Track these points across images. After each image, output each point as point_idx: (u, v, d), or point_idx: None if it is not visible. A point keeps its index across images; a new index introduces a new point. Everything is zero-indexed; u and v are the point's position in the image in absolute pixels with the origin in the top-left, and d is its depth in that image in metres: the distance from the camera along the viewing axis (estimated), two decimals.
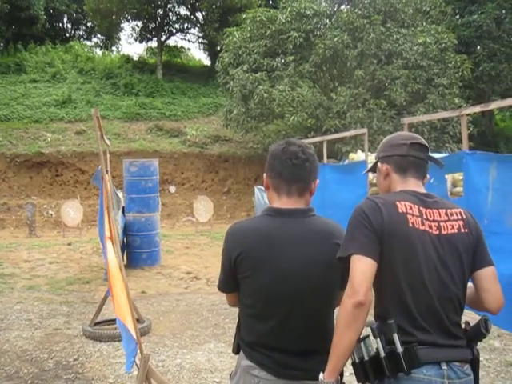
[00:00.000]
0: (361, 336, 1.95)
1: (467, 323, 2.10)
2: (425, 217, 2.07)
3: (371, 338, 1.98)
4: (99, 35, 34.87)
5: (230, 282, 2.24)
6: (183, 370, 5.15)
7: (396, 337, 1.92)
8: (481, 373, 4.97)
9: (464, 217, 2.13)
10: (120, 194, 9.74)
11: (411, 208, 2.06)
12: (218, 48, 26.19)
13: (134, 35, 30.65)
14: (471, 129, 15.81)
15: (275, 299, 2.11)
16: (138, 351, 3.71)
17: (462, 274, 2.06)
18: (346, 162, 11.60)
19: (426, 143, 2.25)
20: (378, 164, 2.29)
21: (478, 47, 22.23)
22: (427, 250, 2.02)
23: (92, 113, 3.89)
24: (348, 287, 1.93)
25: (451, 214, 2.11)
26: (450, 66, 18.10)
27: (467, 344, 2.04)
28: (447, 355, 1.96)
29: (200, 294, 8.41)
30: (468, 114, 6.74)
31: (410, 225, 2.02)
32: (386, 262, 1.98)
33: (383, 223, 2.00)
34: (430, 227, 2.06)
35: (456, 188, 8.09)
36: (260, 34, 18.97)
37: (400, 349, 1.91)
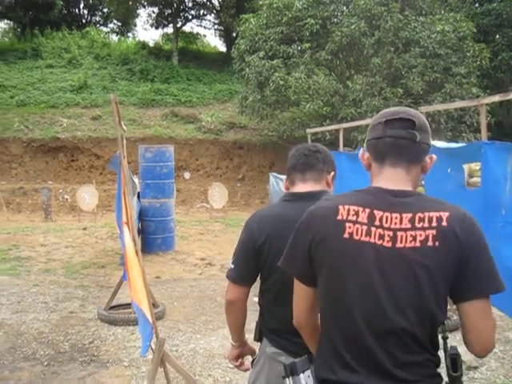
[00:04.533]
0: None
1: None
2: (377, 223, 1.60)
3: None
4: (115, 21, 34.82)
5: (251, 271, 2.26)
6: (197, 355, 5.20)
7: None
8: (495, 364, 4.98)
9: (443, 224, 1.55)
10: (136, 180, 9.78)
11: (356, 213, 1.62)
12: (234, 35, 26.09)
13: (150, 21, 30.68)
14: (488, 118, 15.62)
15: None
16: (154, 335, 3.75)
17: (419, 302, 1.56)
18: (361, 150, 11.56)
19: (415, 116, 1.68)
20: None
21: (497, 36, 21.88)
22: (365, 270, 1.59)
23: (111, 98, 3.89)
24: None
25: (420, 221, 1.57)
26: (468, 54, 17.86)
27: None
28: None
29: (214, 280, 8.45)
30: (487, 104, 6.66)
31: (346, 235, 1.61)
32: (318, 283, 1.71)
33: (313, 238, 1.67)
34: (382, 237, 1.58)
35: (473, 178, 8.00)
36: (276, 20, 18.81)
37: None
